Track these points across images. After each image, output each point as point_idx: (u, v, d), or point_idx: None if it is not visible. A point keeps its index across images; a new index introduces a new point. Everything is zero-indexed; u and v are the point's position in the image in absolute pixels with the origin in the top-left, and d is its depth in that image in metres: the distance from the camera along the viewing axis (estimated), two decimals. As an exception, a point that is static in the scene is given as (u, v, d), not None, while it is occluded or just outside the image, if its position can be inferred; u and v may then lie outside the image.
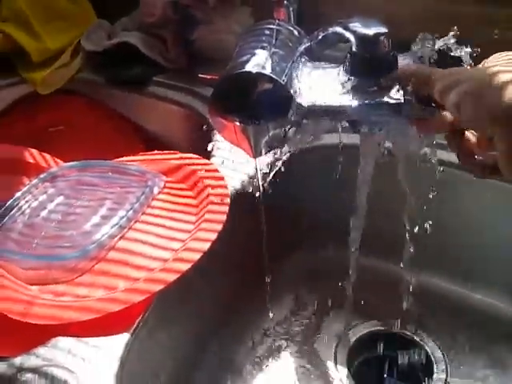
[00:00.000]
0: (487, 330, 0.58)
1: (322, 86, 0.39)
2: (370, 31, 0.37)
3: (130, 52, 0.70)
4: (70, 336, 0.40)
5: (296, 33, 0.43)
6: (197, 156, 0.56)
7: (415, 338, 0.57)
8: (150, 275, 0.42)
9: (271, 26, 0.43)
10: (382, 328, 0.59)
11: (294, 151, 0.45)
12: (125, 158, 0.60)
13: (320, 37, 0.40)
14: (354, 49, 0.37)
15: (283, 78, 0.38)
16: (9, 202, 0.55)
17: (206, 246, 0.43)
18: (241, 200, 0.52)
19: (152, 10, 0.66)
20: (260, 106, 0.39)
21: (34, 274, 0.47)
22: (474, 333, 0.58)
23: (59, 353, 0.39)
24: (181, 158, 0.56)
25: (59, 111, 0.74)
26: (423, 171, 0.54)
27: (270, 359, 0.58)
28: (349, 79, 0.39)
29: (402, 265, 0.52)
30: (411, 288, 0.56)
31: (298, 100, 0.38)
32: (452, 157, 0.51)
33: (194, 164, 0.54)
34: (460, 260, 0.59)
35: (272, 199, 0.51)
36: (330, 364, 0.57)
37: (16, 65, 0.73)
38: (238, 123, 0.40)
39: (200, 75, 0.68)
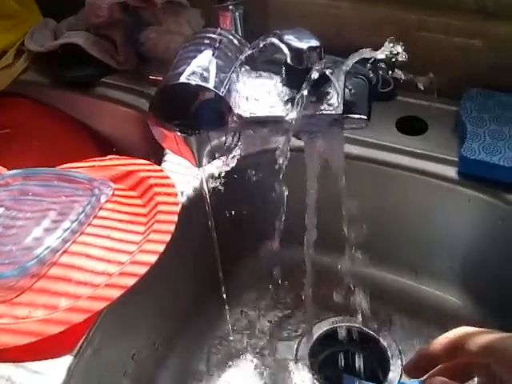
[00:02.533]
0: (438, 322, 0.57)
1: (260, 96, 0.38)
2: (303, 45, 0.36)
3: (76, 52, 0.67)
4: (8, 361, 0.38)
5: (236, 42, 0.42)
6: (147, 162, 0.53)
7: (371, 332, 0.57)
8: (93, 292, 0.40)
9: (211, 35, 0.41)
10: (340, 325, 0.58)
11: (240, 157, 0.43)
12: (72, 165, 0.57)
13: (260, 46, 0.39)
14: (288, 61, 0.36)
15: (222, 89, 0.37)
16: None
17: (154, 258, 0.41)
18: (192, 207, 0.50)
19: (98, 11, 0.63)
20: (199, 116, 0.37)
21: (-30, 295, 0.44)
22: (425, 325, 0.57)
23: (-4, 380, 0.36)
24: (131, 164, 0.53)
25: (4, 114, 0.70)
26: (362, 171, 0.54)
27: (231, 362, 0.56)
28: (285, 90, 0.38)
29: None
30: (364, 284, 0.56)
31: (237, 111, 0.37)
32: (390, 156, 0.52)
33: (143, 170, 0.52)
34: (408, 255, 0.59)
35: (223, 205, 0.49)
36: (291, 362, 0.56)
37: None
38: (178, 133, 0.38)
39: (150, 77, 0.65)
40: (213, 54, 0.38)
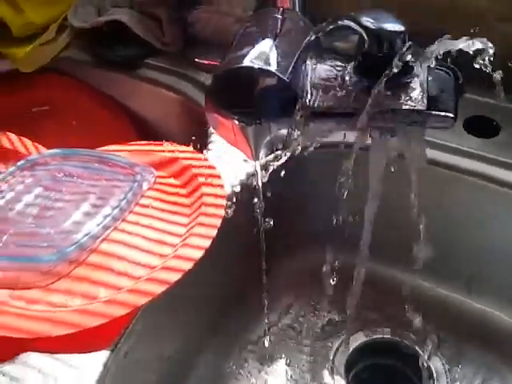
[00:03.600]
0: (488, 342, 0.54)
1: (330, 85, 0.34)
2: (386, 28, 0.32)
3: (120, 30, 0.64)
4: (41, 351, 0.36)
5: (302, 24, 0.38)
6: (192, 149, 0.51)
7: (416, 347, 0.54)
8: (134, 285, 0.38)
9: (275, 15, 0.38)
10: (384, 336, 0.55)
11: (296, 152, 0.40)
12: (113, 147, 0.55)
13: (328, 29, 0.36)
14: (366, 47, 0.32)
15: (287, 75, 0.34)
16: (-18, 193, 0.50)
17: (199, 254, 0.39)
18: (238, 201, 0.47)
19: (147, -14, 0.60)
20: (261, 104, 0.34)
21: (3, 277, 0.42)
22: (475, 344, 0.54)
23: (28, 371, 0.34)
24: (174, 151, 0.51)
25: (43, 91, 0.68)
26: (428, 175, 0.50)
27: (263, 367, 0.54)
28: (360, 80, 0.35)
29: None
30: (415, 297, 0.52)
31: (304, 100, 0.34)
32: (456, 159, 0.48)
33: (188, 158, 0.49)
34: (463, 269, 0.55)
35: (269, 201, 0.47)
36: (326, 373, 0.53)
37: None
38: (236, 122, 0.35)
39: (196, 60, 0.63)
40: (277, 37, 0.35)
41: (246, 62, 0.33)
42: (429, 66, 0.33)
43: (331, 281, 0.50)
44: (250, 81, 0.33)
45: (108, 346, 0.36)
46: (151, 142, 0.54)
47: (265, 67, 0.33)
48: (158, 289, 0.37)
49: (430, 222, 0.52)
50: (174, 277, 0.37)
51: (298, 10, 0.52)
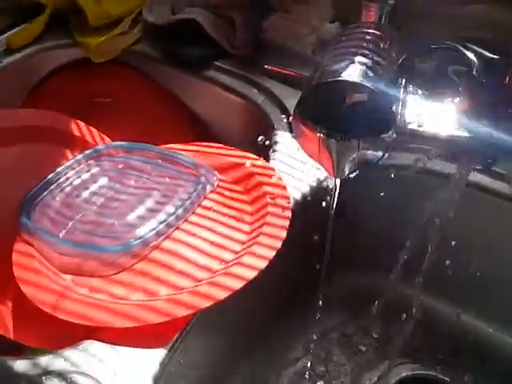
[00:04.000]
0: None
1: (429, 110, 0.34)
2: (496, 55, 0.32)
3: (193, 30, 0.65)
4: (102, 340, 0.36)
5: (398, 42, 0.38)
6: (256, 156, 0.51)
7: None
8: (195, 287, 0.38)
9: (371, 31, 0.38)
10: (422, 372, 0.54)
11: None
12: (176, 146, 0.55)
13: (428, 50, 0.35)
14: (474, 73, 0.32)
15: (384, 93, 0.33)
16: (49, 176, 0.51)
17: (264, 263, 0.39)
18: (299, 213, 0.47)
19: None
20: (353, 120, 0.34)
21: (69, 262, 0.43)
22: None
23: (90, 359, 0.35)
24: (238, 156, 0.51)
25: (109, 82, 0.70)
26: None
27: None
28: (463, 108, 0.34)
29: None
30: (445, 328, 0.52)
31: (399, 121, 0.33)
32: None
33: (253, 166, 0.50)
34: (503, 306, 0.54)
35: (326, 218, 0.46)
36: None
37: (70, 27, 0.69)
38: (322, 135, 0.35)
39: (266, 66, 0.63)
40: (375, 53, 0.35)
41: (344, 76, 0.33)
42: None
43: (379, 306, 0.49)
44: (345, 95, 0.33)
45: (165, 345, 0.36)
46: (215, 144, 0.55)
47: (363, 82, 0.32)
48: (221, 294, 0.37)
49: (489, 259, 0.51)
50: (237, 284, 0.38)
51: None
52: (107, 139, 0.59)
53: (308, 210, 0.47)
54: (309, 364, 0.53)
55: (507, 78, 0.31)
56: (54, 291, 0.40)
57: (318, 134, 0.35)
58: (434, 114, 0.35)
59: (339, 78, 0.33)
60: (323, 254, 0.45)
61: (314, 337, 0.52)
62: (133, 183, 0.50)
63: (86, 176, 0.52)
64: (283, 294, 0.52)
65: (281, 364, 0.53)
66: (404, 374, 0.53)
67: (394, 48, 0.37)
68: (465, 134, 0.33)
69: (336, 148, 0.35)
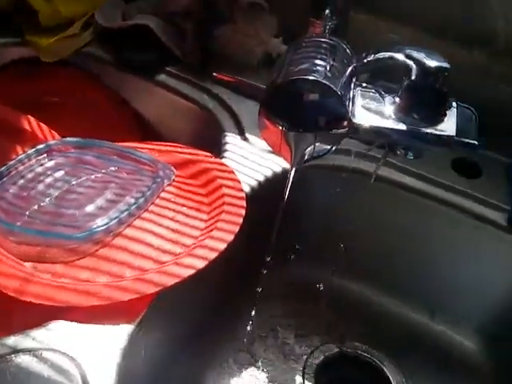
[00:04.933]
0: (448, 364, 0.59)
1: (374, 107, 0.39)
2: (434, 63, 0.38)
3: (144, 35, 0.68)
4: (69, 320, 0.38)
5: (348, 51, 0.44)
6: (209, 154, 0.54)
7: (380, 364, 0.59)
8: (162, 268, 0.41)
9: (328, 41, 0.43)
10: (347, 350, 0.60)
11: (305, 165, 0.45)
12: (130, 144, 0.57)
13: (371, 58, 0.41)
14: (412, 78, 0.38)
15: (340, 92, 0.38)
16: (0, 169, 0.51)
17: (223, 245, 0.42)
18: (250, 205, 0.51)
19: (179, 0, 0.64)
20: (311, 115, 0.39)
21: (29, 250, 0.44)
22: (433, 363, 0.59)
23: (57, 336, 0.36)
24: (193, 154, 0.55)
25: (58, 82, 0.70)
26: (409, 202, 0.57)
27: (242, 370, 0.57)
28: (400, 105, 0.40)
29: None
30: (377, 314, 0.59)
31: (350, 117, 0.38)
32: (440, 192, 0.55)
33: (207, 162, 0.53)
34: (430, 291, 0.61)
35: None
36: (299, 377, 0.57)
37: (21, 25, 0.69)
38: (282, 128, 0.40)
39: (214, 74, 0.67)
40: (332, 58, 0.39)
41: (307, 75, 0.37)
42: (457, 103, 0.39)
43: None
44: (305, 93, 0.38)
45: (132, 321, 0.38)
46: (169, 143, 0.58)
47: (323, 81, 0.37)
48: (186, 272, 0.40)
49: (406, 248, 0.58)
50: (200, 264, 0.40)
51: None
52: (57, 136, 0.59)
53: (259, 202, 0.51)
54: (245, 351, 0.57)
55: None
56: (16, 277, 0.40)
57: (280, 128, 0.39)
58: (378, 112, 0.40)
59: (302, 77, 0.38)
60: (269, 245, 0.49)
61: (251, 322, 0.56)
62: (90, 177, 0.52)
63: (39, 170, 0.53)
64: (230, 280, 0.55)
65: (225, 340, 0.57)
66: (331, 352, 0.58)
67: (344, 55, 0.43)
68: (402, 127, 0.39)
69: (295, 140, 0.40)
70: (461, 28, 0.58)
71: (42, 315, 0.38)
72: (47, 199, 0.49)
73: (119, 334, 0.37)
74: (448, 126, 0.38)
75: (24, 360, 0.34)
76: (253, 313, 0.57)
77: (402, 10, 0.60)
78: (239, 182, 0.50)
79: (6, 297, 0.38)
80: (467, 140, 0.38)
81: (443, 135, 0.38)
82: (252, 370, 0.56)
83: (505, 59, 0.57)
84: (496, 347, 0.57)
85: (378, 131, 0.39)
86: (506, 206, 0.52)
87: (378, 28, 0.61)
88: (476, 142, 0.38)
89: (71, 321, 0.38)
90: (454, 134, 0.38)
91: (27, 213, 0.47)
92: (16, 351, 0.35)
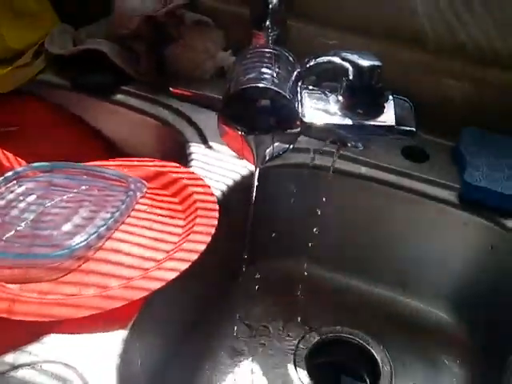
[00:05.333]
0: (424, 335, 0.63)
1: (321, 107, 0.43)
2: (367, 63, 0.42)
3: (97, 59, 0.69)
4: (63, 333, 0.39)
5: (291, 58, 0.47)
6: (177, 164, 0.57)
7: (363, 343, 0.62)
8: (146, 274, 0.42)
9: (271, 50, 0.47)
10: (331, 335, 0.63)
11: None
12: (96, 163, 0.59)
13: (312, 63, 0.45)
14: (350, 77, 0.42)
15: (288, 95, 0.42)
16: (-29, 201, 0.52)
17: (203, 246, 0.44)
18: (222, 207, 0.53)
19: (128, 23, 0.67)
20: (265, 118, 0.42)
21: (12, 273, 0.45)
22: (412, 337, 0.63)
23: (54, 349, 0.38)
24: (161, 166, 0.57)
25: (16, 112, 0.70)
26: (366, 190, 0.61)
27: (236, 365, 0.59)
28: (343, 103, 0.44)
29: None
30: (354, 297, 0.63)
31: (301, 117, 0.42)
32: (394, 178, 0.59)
33: (175, 172, 0.55)
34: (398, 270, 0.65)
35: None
36: (291, 365, 0.59)
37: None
38: (241, 132, 0.43)
39: (171, 89, 0.69)
40: (276, 66, 0.43)
41: (256, 83, 0.41)
42: (393, 95, 0.43)
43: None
44: (257, 98, 0.41)
45: (125, 327, 0.40)
46: (135, 158, 0.59)
47: (271, 87, 0.40)
48: (171, 275, 0.42)
49: (370, 232, 0.63)
50: (183, 266, 0.43)
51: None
52: (24, 162, 0.60)
53: (230, 204, 0.54)
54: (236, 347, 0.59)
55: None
56: (4, 299, 0.41)
57: (240, 132, 0.43)
58: (325, 110, 0.44)
59: (252, 85, 0.41)
60: (245, 242, 0.51)
61: (238, 316, 0.59)
62: (62, 198, 0.53)
63: (10, 196, 0.53)
64: (212, 280, 0.57)
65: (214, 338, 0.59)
66: (317, 339, 0.61)
67: (287, 62, 0.47)
68: (348, 122, 0.43)
69: (255, 142, 0.43)
70: (390, 28, 0.63)
71: (34, 331, 0.39)
72: (23, 223, 0.50)
73: (114, 340, 0.39)
74: (388, 116, 0.43)
75: (25, 374, 0.35)
76: (239, 308, 0.59)
77: (331, 14, 0.66)
78: (209, 187, 0.52)
79: (-4, 318, 0.39)
80: (406, 128, 0.42)
81: (384, 125, 0.42)
82: (246, 365, 0.58)
83: (443, 56, 0.62)
84: (467, 314, 0.61)
85: (327, 128, 0.43)
86: (455, 184, 0.57)
87: (309, 34, 0.66)
88: (414, 129, 0.43)
89: (64, 333, 0.39)
90: (394, 124, 0.42)
91: (4, 238, 0.48)
92: (15, 367, 0.36)
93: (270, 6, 0.56)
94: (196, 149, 0.61)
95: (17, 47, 0.70)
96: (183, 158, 0.61)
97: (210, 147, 0.61)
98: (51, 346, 0.38)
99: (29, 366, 0.36)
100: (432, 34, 0.62)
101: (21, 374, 0.35)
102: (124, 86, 0.70)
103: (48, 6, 0.76)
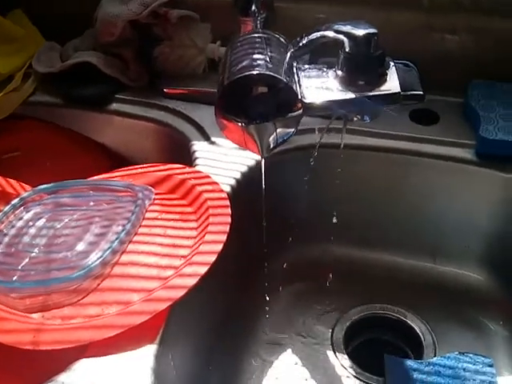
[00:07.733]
0: (461, 298, 0.61)
1: (320, 85, 0.41)
2: (362, 32, 0.40)
3: (87, 71, 0.68)
4: (91, 357, 0.38)
5: (282, 40, 0.45)
6: (182, 165, 0.55)
7: (400, 317, 0.60)
8: (167, 283, 0.41)
9: (260, 35, 0.45)
10: (370, 312, 0.61)
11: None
12: (100, 176, 0.58)
13: (305, 41, 0.43)
14: (347, 49, 0.40)
15: (287, 79, 0.40)
16: (-19, 234, 0.51)
17: (219, 246, 0.43)
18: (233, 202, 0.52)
19: (112, 29, 0.65)
20: (264, 105, 0.40)
21: (32, 302, 0.44)
22: (449, 304, 0.61)
23: (86, 374, 0.37)
24: (165, 170, 0.55)
25: (14, 137, 0.70)
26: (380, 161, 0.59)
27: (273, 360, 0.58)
28: (343, 77, 0.42)
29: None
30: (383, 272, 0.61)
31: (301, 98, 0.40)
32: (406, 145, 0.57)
33: (181, 173, 0.54)
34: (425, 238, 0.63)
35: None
36: (330, 351, 0.58)
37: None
38: (241, 124, 0.41)
39: (165, 89, 0.67)
40: (268, 50, 0.41)
41: (250, 71, 0.39)
42: (394, 61, 0.41)
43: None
44: (253, 86, 0.39)
45: (153, 341, 0.39)
46: (138, 166, 0.58)
47: (266, 73, 0.38)
48: (191, 281, 0.40)
49: (391, 204, 0.61)
50: (203, 269, 0.41)
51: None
52: (28, 187, 0.59)
53: (242, 198, 0.52)
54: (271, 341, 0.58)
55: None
56: (28, 330, 0.40)
57: (239, 124, 0.41)
58: (325, 87, 0.42)
59: (246, 73, 0.39)
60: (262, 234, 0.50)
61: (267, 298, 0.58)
62: (72, 217, 0.52)
63: (20, 224, 0.52)
64: (235, 278, 0.56)
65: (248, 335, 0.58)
66: (352, 320, 0.60)
67: (279, 44, 0.44)
68: (351, 96, 0.41)
69: (257, 132, 0.41)
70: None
71: (63, 359, 0.38)
72: (36, 249, 0.49)
73: (145, 356, 0.38)
74: (391, 84, 0.40)
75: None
76: (267, 302, 0.58)
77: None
78: (218, 184, 0.51)
79: (22, 351, 0.38)
80: (413, 92, 0.40)
81: (390, 93, 0.40)
82: (283, 358, 0.57)
83: (439, 12, 0.59)
84: (501, 271, 0.59)
85: (330, 105, 0.41)
86: (471, 141, 0.55)
87: (298, 11, 0.64)
88: (421, 92, 0.40)
89: (94, 357, 0.38)
90: (399, 90, 0.40)
91: (19, 267, 0.47)
92: (48, 399, 0.35)
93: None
94: (199, 146, 0.59)
95: (4, 72, 0.69)
96: (187, 158, 0.60)
97: (213, 143, 0.59)
98: (82, 372, 0.37)
99: (61, 395, 0.35)
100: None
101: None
102: (118, 94, 0.69)
103: (34, 30, 0.75)
